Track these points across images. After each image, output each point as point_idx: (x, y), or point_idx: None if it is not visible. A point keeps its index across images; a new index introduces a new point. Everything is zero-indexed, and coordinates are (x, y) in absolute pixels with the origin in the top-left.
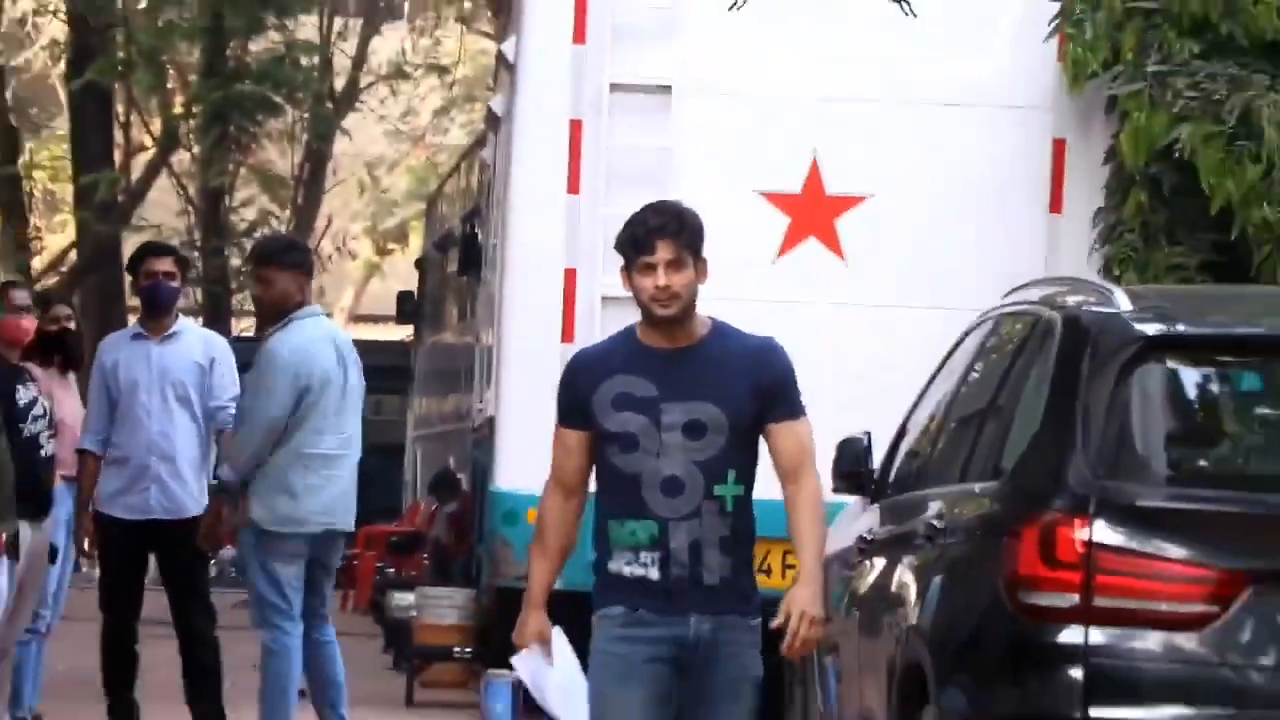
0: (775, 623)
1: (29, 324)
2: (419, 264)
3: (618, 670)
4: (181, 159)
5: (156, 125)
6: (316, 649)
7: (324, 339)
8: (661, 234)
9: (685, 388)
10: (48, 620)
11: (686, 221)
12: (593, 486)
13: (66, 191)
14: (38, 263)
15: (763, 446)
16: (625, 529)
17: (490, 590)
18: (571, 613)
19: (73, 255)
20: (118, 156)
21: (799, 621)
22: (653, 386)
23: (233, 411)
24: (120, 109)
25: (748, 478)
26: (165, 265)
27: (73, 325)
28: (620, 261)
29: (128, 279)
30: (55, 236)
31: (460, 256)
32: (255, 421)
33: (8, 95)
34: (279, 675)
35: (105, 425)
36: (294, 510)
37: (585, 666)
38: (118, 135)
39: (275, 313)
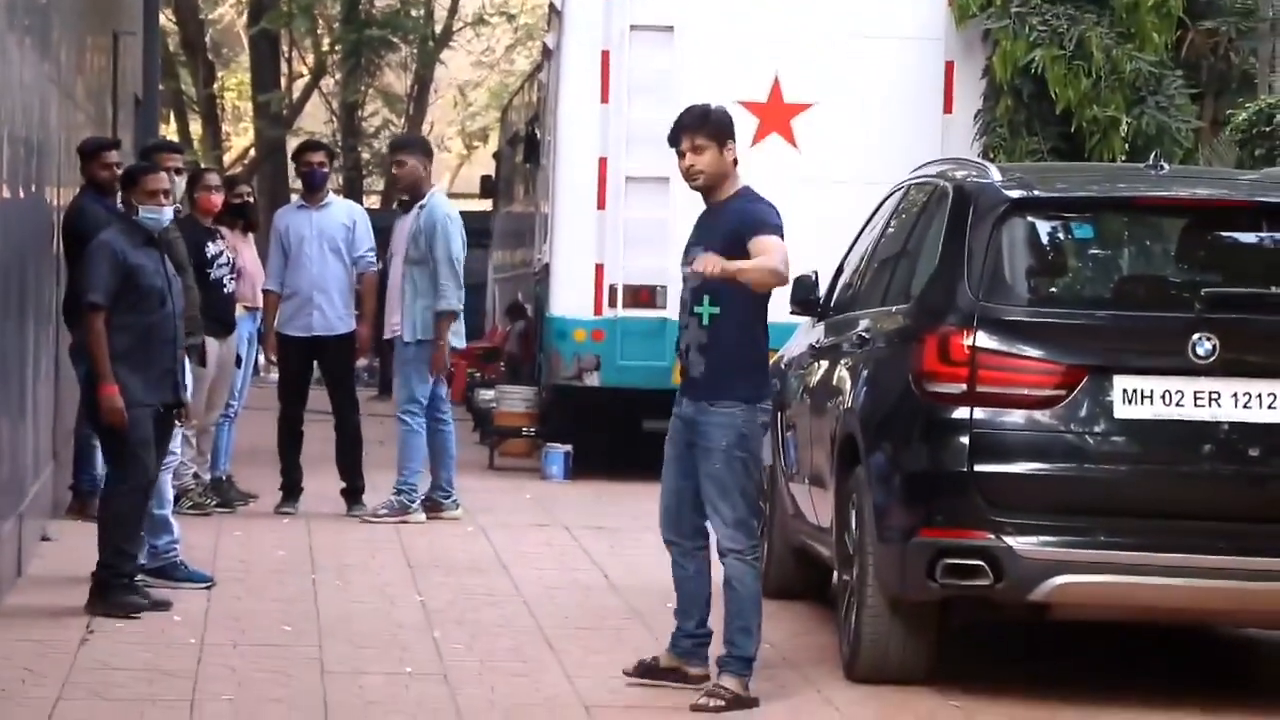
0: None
1: (218, 198)
2: (495, 156)
3: (668, 434)
4: (327, 83)
5: (310, 59)
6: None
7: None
8: (683, 129)
9: (701, 235)
10: (235, 408)
11: (708, 118)
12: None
13: (247, 107)
14: (227, 158)
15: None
16: None
17: (547, 387)
18: (618, 406)
19: (251, 152)
20: (283, 82)
21: (705, 258)
22: (694, 235)
23: (370, 259)
24: (285, 47)
25: (726, 301)
26: (319, 156)
27: (251, 199)
28: (641, 152)
29: (291, 167)
30: (239, 139)
31: (525, 150)
32: (456, 263)
33: (207, 39)
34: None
35: (281, 270)
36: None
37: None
38: (283, 66)
39: (410, 187)
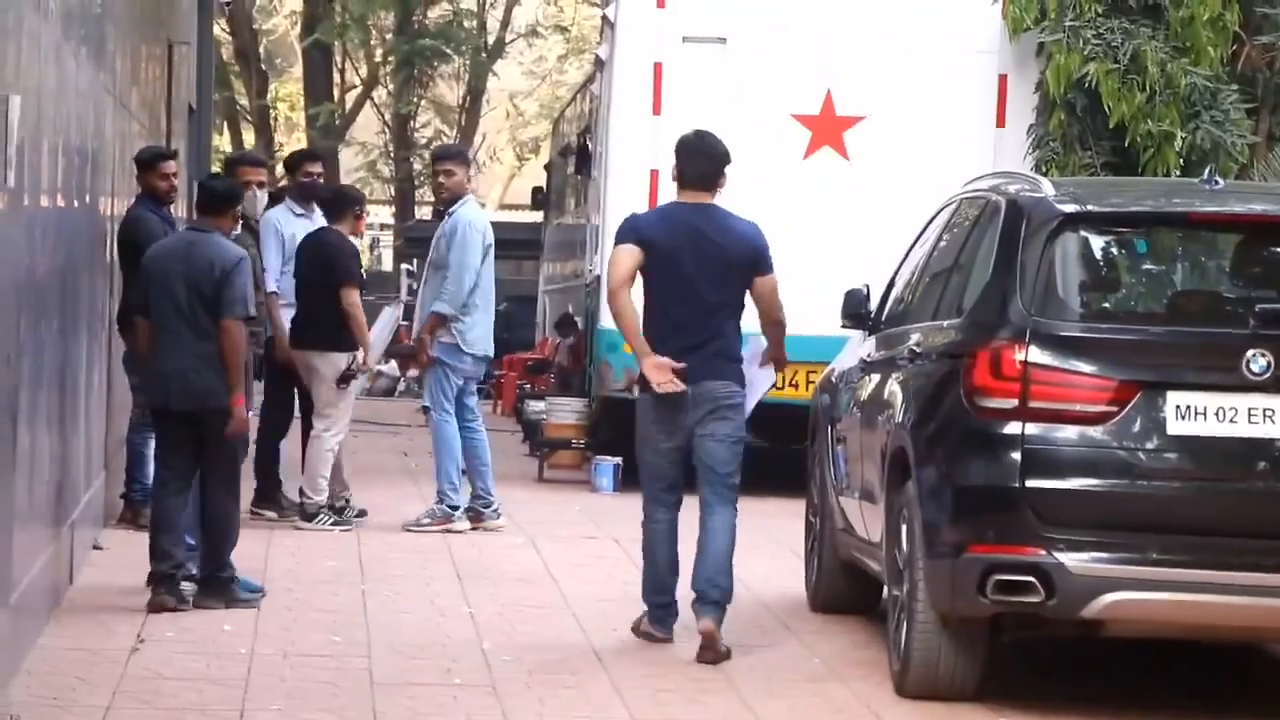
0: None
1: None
2: (547, 167)
3: None
4: (380, 94)
5: (363, 69)
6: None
7: (485, 217)
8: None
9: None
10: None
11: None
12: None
13: (299, 117)
14: (279, 169)
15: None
16: None
17: (597, 399)
18: None
19: None
20: (335, 93)
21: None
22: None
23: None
24: (338, 59)
25: None
26: (317, 167)
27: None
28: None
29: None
30: (291, 149)
31: (576, 161)
32: (463, 268)
33: (260, 50)
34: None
35: (279, 272)
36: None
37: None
38: (335, 77)
39: (454, 195)
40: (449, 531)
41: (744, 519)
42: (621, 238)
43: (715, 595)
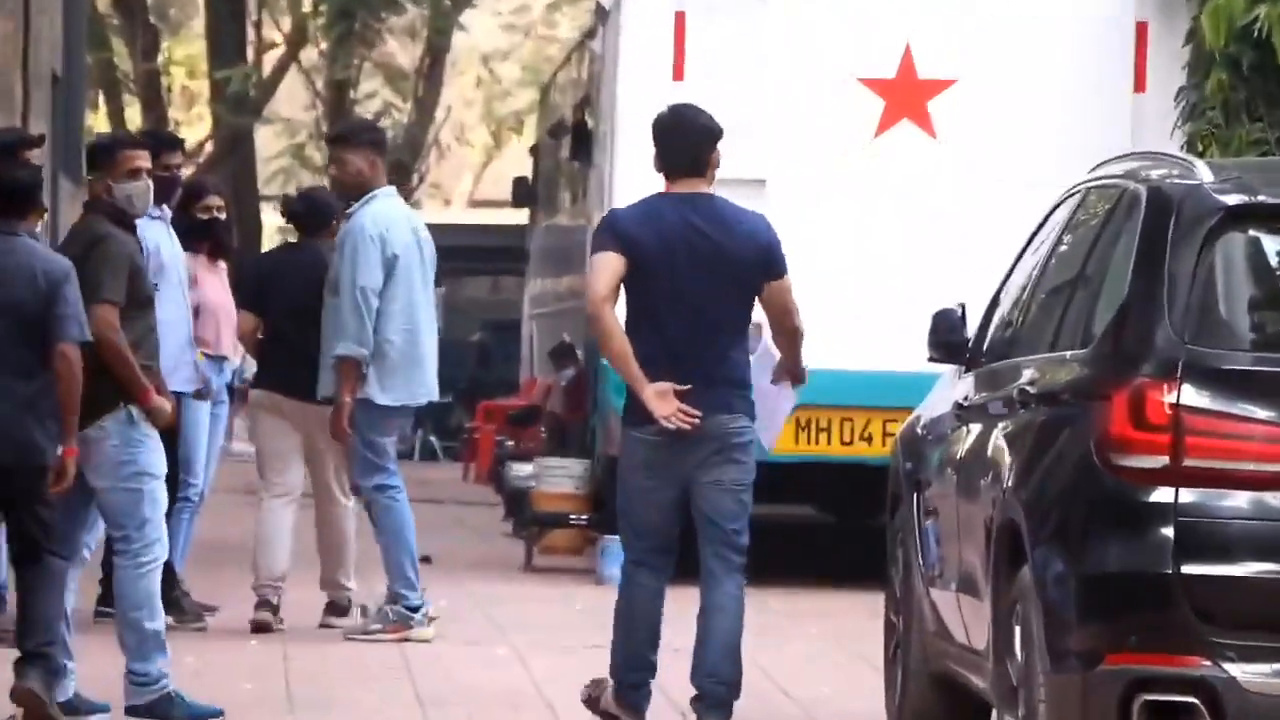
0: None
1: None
2: (533, 150)
3: None
4: (309, 54)
5: (286, 22)
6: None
7: (402, 217)
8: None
9: None
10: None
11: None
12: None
13: (202, 87)
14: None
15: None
16: None
17: (604, 459)
18: None
19: (208, 146)
20: (250, 53)
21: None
22: None
23: None
24: (252, 6)
25: None
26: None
27: (222, 214)
28: (727, 145)
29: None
30: (191, 129)
31: (572, 143)
32: (358, 292)
33: None
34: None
35: None
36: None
37: None
38: (249, 33)
39: (357, 190)
40: (406, 640)
41: (804, 619)
42: (599, 243)
43: (722, 693)
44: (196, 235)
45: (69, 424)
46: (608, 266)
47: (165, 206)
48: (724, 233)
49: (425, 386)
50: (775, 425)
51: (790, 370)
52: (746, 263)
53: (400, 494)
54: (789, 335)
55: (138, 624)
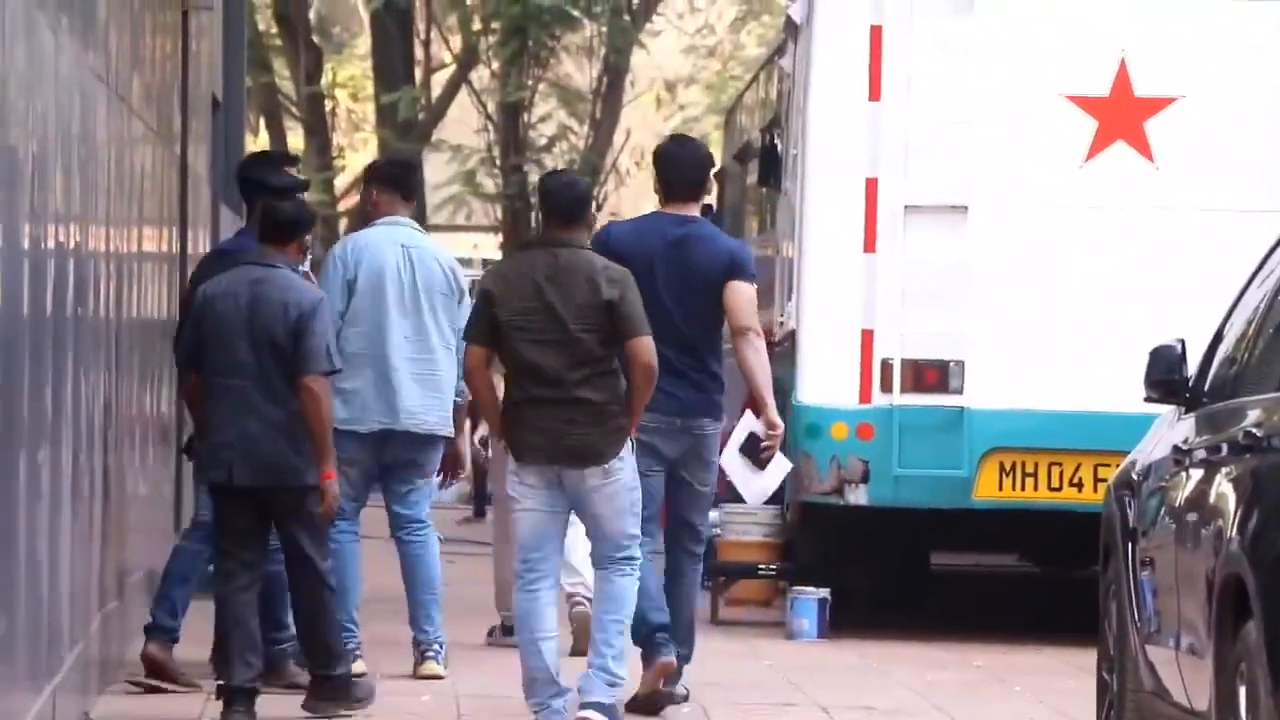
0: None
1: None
2: (718, 176)
3: None
4: (480, 75)
5: (456, 42)
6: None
7: (384, 243)
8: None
9: None
10: None
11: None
12: None
13: (368, 110)
14: (340, 181)
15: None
16: None
17: (794, 505)
18: (895, 532)
19: None
20: (417, 74)
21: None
22: None
23: None
24: (420, 26)
25: None
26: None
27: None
28: (926, 169)
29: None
30: (357, 155)
31: (759, 167)
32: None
33: (310, 15)
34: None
35: None
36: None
37: None
38: (417, 52)
39: (368, 221)
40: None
41: (1008, 675)
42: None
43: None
44: None
45: (323, 452)
46: None
47: None
48: (699, 251)
49: (380, 414)
50: (755, 491)
51: (754, 398)
52: (715, 273)
53: (341, 534)
54: (740, 334)
55: None
